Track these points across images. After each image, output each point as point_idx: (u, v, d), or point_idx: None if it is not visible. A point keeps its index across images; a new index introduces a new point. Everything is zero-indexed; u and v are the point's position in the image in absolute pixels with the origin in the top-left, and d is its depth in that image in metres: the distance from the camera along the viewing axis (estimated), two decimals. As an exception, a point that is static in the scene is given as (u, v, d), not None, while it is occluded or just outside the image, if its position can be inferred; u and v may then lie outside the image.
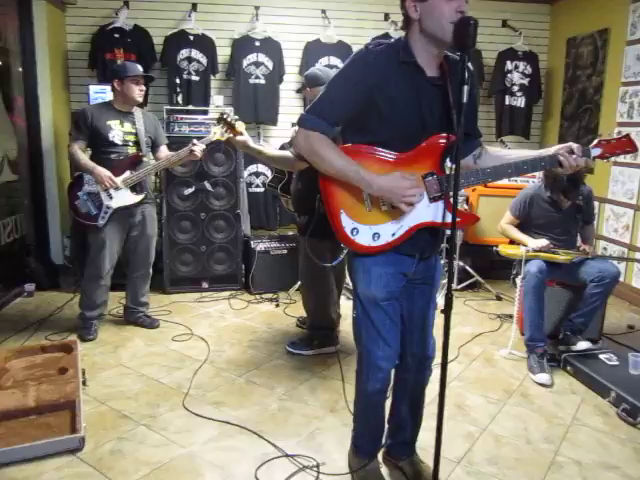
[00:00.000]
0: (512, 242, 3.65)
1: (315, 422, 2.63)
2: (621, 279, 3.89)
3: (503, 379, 3.15)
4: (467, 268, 4.70)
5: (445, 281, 1.78)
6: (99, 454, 2.32)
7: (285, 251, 4.61)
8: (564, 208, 3.46)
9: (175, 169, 4.29)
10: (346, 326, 3.56)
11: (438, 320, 1.92)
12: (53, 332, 3.59)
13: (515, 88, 5.44)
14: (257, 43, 5.04)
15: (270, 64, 5.08)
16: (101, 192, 3.40)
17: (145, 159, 3.50)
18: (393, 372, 2.06)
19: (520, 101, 5.47)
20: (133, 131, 3.48)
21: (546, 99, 5.71)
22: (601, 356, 3.21)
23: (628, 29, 4.52)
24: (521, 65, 5.41)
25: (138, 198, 3.48)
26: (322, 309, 3.36)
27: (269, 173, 5.05)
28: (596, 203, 4.17)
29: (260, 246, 4.59)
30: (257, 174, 5.20)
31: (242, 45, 5.04)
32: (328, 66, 4.92)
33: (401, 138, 1.76)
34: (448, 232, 1.75)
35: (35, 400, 2.55)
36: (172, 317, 3.98)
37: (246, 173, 5.09)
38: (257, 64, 5.06)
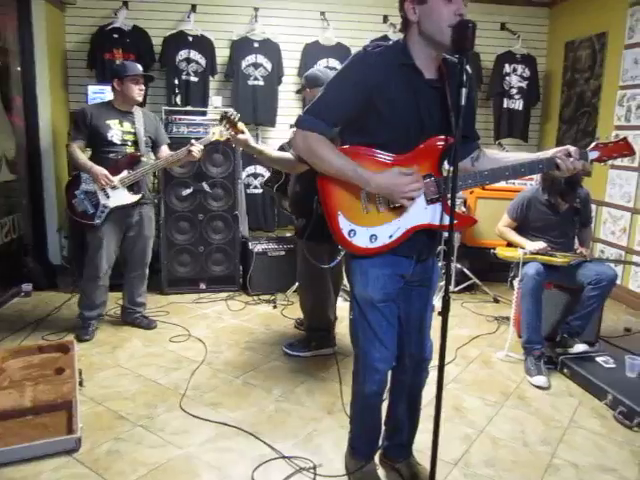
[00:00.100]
0: (510, 244, 3.66)
1: (312, 424, 2.63)
2: (618, 282, 3.89)
3: (500, 381, 3.15)
4: (465, 270, 4.70)
5: (443, 283, 1.79)
6: (96, 455, 2.32)
7: (283, 252, 4.61)
8: (561, 211, 3.47)
9: (173, 170, 4.29)
10: (343, 328, 3.56)
11: (435, 322, 1.93)
12: (50, 332, 3.59)
13: (513, 91, 5.45)
14: (256, 44, 5.04)
15: (269, 65, 5.08)
16: (98, 191, 3.40)
17: (144, 159, 3.49)
18: (390, 374, 2.06)
19: (518, 104, 5.48)
20: (132, 131, 3.48)
21: (544, 102, 5.73)
22: (598, 359, 3.22)
23: (626, 33, 4.53)
24: (519, 68, 5.43)
25: (135, 198, 3.48)
26: (320, 310, 3.36)
27: (267, 174, 5.04)
28: (593, 206, 4.17)
29: (258, 247, 4.59)
30: (255, 175, 5.20)
31: (241, 46, 5.04)
32: (327, 68, 4.93)
33: (399, 140, 1.77)
34: (446, 234, 1.75)
35: (32, 400, 2.55)
36: (170, 318, 3.98)
37: (244, 174, 5.09)
38: (256, 65, 5.06)
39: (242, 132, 2.88)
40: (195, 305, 4.32)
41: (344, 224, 1.82)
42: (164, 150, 3.66)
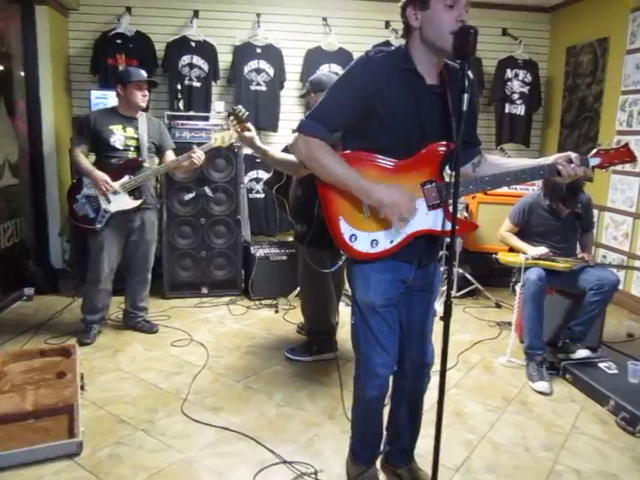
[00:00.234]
0: (512, 250, 3.66)
1: (313, 429, 2.63)
2: (620, 287, 3.89)
3: (502, 387, 3.15)
4: (467, 275, 4.70)
5: (444, 288, 1.78)
6: (97, 459, 2.32)
7: (285, 257, 4.61)
8: (563, 216, 3.47)
9: (175, 174, 4.30)
10: (345, 333, 3.56)
11: (437, 327, 1.93)
12: (52, 336, 3.59)
13: (515, 96, 5.46)
14: (258, 50, 5.06)
15: (271, 71, 5.10)
16: (99, 196, 3.41)
17: (146, 164, 3.50)
18: (391, 379, 2.06)
19: (520, 109, 5.49)
20: (135, 136, 3.50)
21: (546, 107, 5.74)
22: (600, 364, 3.21)
23: (627, 38, 4.54)
24: (521, 73, 5.44)
25: (136, 203, 3.48)
26: (321, 315, 3.36)
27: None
28: (595, 211, 4.18)
29: (260, 252, 4.59)
30: (257, 180, 5.21)
31: (243, 52, 5.06)
32: (324, 76, 4.94)
33: (400, 145, 1.77)
34: (447, 239, 1.75)
35: (33, 404, 2.55)
36: (171, 322, 3.98)
37: (246, 179, 5.10)
38: (258, 71, 5.08)
39: (248, 130, 2.88)
40: (197, 309, 4.32)
41: (345, 229, 1.82)
42: (169, 155, 3.65)
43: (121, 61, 4.80)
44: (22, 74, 4.54)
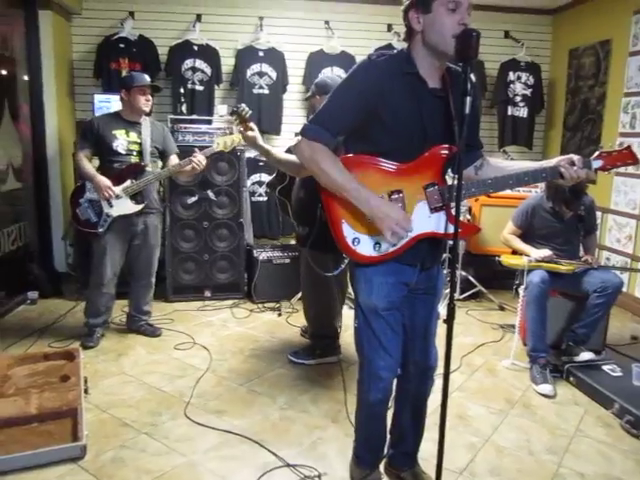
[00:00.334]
0: (515, 252, 3.66)
1: (317, 432, 2.62)
2: (624, 289, 3.87)
3: (505, 389, 3.14)
4: (470, 278, 4.70)
5: (447, 291, 1.78)
6: (100, 462, 2.32)
7: (288, 260, 4.61)
8: (566, 218, 3.47)
9: (178, 178, 4.31)
10: (348, 336, 3.56)
11: (440, 330, 1.93)
12: (56, 340, 3.60)
13: (517, 98, 5.46)
14: (261, 53, 5.08)
15: (274, 74, 5.11)
16: (101, 200, 3.42)
17: (148, 169, 3.51)
18: (395, 382, 2.06)
19: (522, 111, 5.49)
20: (138, 141, 3.51)
21: (548, 109, 5.73)
22: (604, 367, 3.20)
23: (630, 40, 4.54)
24: (523, 76, 5.44)
25: (138, 208, 3.49)
26: (324, 318, 3.36)
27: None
28: (599, 213, 4.17)
29: (263, 255, 4.59)
30: (260, 183, 5.21)
31: (246, 55, 5.08)
32: (329, 78, 4.95)
33: (403, 148, 1.78)
34: (450, 242, 1.76)
35: (37, 408, 2.56)
36: (174, 325, 3.98)
37: (249, 182, 5.11)
38: (261, 74, 5.09)
39: (252, 129, 2.89)
40: (200, 313, 4.32)
41: (348, 232, 1.83)
42: (173, 160, 3.66)
43: (124, 65, 4.82)
44: (26, 78, 4.56)
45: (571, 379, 3.20)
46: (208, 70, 5.04)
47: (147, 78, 3.50)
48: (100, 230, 3.44)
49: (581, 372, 3.16)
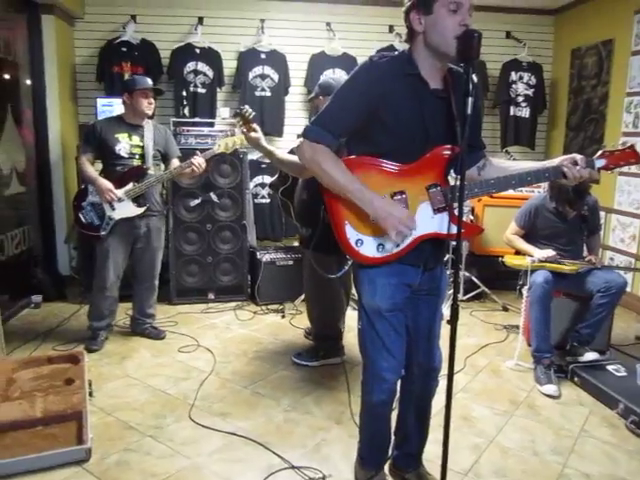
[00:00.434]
0: (518, 252, 3.65)
1: (321, 433, 2.62)
2: (628, 289, 3.87)
3: (510, 390, 3.13)
4: (473, 279, 4.69)
5: (451, 292, 1.78)
6: (105, 465, 2.33)
7: (291, 262, 4.61)
8: (569, 218, 3.47)
9: (181, 181, 4.31)
10: (351, 337, 3.56)
11: (444, 331, 1.93)
12: (60, 343, 3.61)
13: (520, 99, 5.46)
14: (263, 56, 5.08)
15: (276, 76, 5.12)
16: (104, 203, 3.43)
17: (150, 171, 3.52)
18: (399, 383, 2.06)
19: (525, 112, 5.48)
20: (141, 144, 3.51)
21: (551, 109, 5.73)
22: (609, 367, 3.20)
23: (632, 40, 4.53)
24: (525, 76, 5.43)
25: (140, 210, 3.50)
26: (327, 320, 3.36)
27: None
28: (602, 213, 4.16)
29: (266, 257, 4.60)
30: (263, 185, 5.22)
31: (248, 58, 5.08)
32: (332, 79, 4.96)
33: (405, 149, 1.78)
34: (453, 243, 1.76)
35: (42, 411, 2.56)
36: (178, 328, 3.99)
37: (252, 184, 5.11)
38: (263, 76, 5.10)
39: (255, 130, 2.90)
40: (203, 315, 4.33)
41: (351, 233, 1.83)
42: (174, 163, 3.66)
43: (127, 69, 4.84)
44: (28, 83, 4.58)
45: (575, 379, 3.19)
46: (210, 73, 5.05)
47: (149, 81, 3.51)
48: (103, 233, 3.45)
49: (586, 372, 3.16)
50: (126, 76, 4.72)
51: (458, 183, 1.65)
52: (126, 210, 3.46)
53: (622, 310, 4.39)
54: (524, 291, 3.46)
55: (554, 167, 1.84)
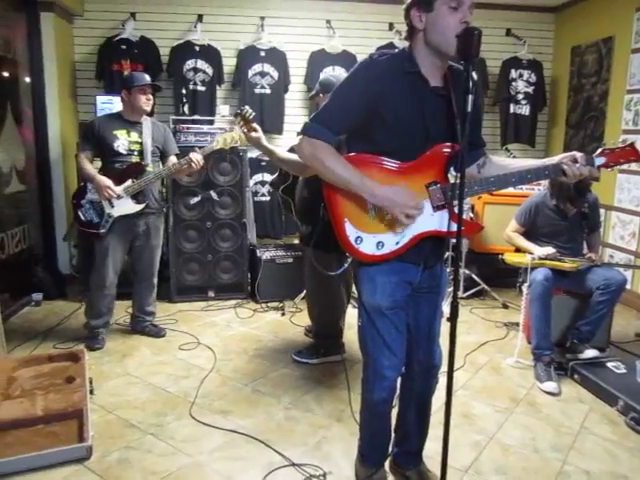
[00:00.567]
0: (518, 250, 3.65)
1: (321, 431, 2.63)
2: (628, 287, 3.87)
3: (510, 388, 3.14)
4: (473, 276, 4.69)
5: (451, 289, 1.79)
6: (106, 463, 2.33)
7: (291, 260, 4.62)
8: (569, 216, 3.46)
9: (182, 179, 4.32)
10: (352, 335, 3.56)
11: (444, 328, 1.93)
12: (60, 341, 3.61)
13: (520, 96, 5.45)
14: (262, 53, 5.08)
15: (275, 74, 5.12)
16: (103, 200, 3.43)
17: (149, 168, 3.51)
18: (399, 381, 2.06)
19: (525, 109, 5.48)
20: (139, 141, 3.51)
21: (551, 107, 5.72)
22: (609, 364, 3.20)
23: (633, 37, 4.53)
24: (525, 73, 5.43)
25: (139, 207, 3.49)
26: (328, 317, 3.36)
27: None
28: (602, 211, 4.16)
29: (266, 255, 4.60)
30: (263, 183, 5.21)
31: (247, 55, 5.08)
32: (333, 77, 4.96)
33: (405, 147, 1.78)
34: (453, 240, 1.76)
35: (43, 409, 2.56)
36: (178, 326, 3.99)
37: (252, 182, 5.11)
38: (262, 74, 5.09)
39: (255, 130, 2.91)
40: (204, 313, 4.33)
41: (351, 231, 1.83)
42: (172, 160, 3.67)
43: (126, 66, 4.83)
44: (28, 81, 4.58)
45: (575, 377, 3.20)
46: (210, 70, 5.04)
47: (147, 77, 3.50)
48: (102, 231, 3.45)
49: (585, 369, 3.16)
50: (125, 73, 4.72)
51: (458, 181, 1.65)
52: (125, 207, 3.46)
53: (622, 307, 4.40)
54: (524, 288, 3.46)
55: (554, 165, 1.84)
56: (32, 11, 4.51)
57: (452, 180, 1.77)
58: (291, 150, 2.96)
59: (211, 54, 5.04)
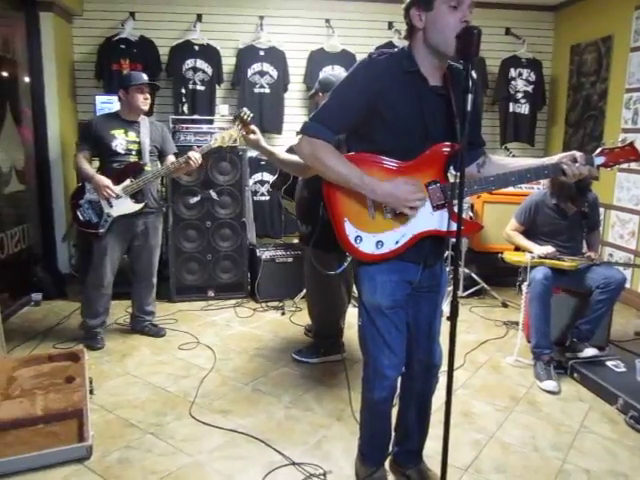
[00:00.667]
0: (518, 249, 3.65)
1: (322, 430, 2.63)
2: (627, 285, 3.87)
3: (510, 386, 3.14)
4: (473, 275, 4.69)
5: (451, 288, 1.79)
6: (107, 463, 2.33)
7: (290, 259, 4.62)
8: (569, 215, 3.46)
9: (181, 178, 4.31)
10: (352, 334, 3.56)
11: (444, 327, 1.93)
12: (60, 341, 3.61)
13: (519, 95, 5.45)
14: (262, 52, 5.08)
15: (275, 73, 5.11)
16: (101, 200, 3.43)
17: (147, 168, 3.51)
18: (399, 380, 2.06)
19: (524, 108, 5.48)
20: (137, 140, 3.50)
21: (550, 106, 5.72)
22: (608, 363, 3.21)
23: (632, 36, 4.53)
24: (525, 72, 5.43)
25: (138, 207, 3.49)
26: (328, 317, 3.36)
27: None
28: (602, 209, 4.16)
29: (266, 254, 4.60)
30: (262, 182, 5.21)
31: (247, 55, 5.07)
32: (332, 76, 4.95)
33: (404, 146, 1.78)
34: (453, 239, 1.76)
35: (43, 409, 2.57)
36: (178, 326, 3.99)
37: (251, 181, 5.11)
38: (262, 73, 5.09)
39: (254, 132, 2.91)
40: (203, 313, 4.33)
41: (350, 230, 1.83)
42: (170, 159, 3.65)
43: (125, 66, 4.83)
44: (27, 80, 4.57)
45: (575, 375, 3.20)
46: (209, 70, 5.04)
47: (145, 77, 3.49)
48: (101, 231, 3.44)
49: (585, 368, 3.16)
50: (124, 73, 4.72)
51: (457, 180, 1.65)
52: (124, 207, 3.46)
53: (621, 306, 4.40)
54: (524, 287, 3.46)
55: (553, 164, 1.84)
56: (31, 11, 4.51)
57: (452, 179, 1.77)
58: (290, 150, 2.96)
59: (210, 53, 5.03)
